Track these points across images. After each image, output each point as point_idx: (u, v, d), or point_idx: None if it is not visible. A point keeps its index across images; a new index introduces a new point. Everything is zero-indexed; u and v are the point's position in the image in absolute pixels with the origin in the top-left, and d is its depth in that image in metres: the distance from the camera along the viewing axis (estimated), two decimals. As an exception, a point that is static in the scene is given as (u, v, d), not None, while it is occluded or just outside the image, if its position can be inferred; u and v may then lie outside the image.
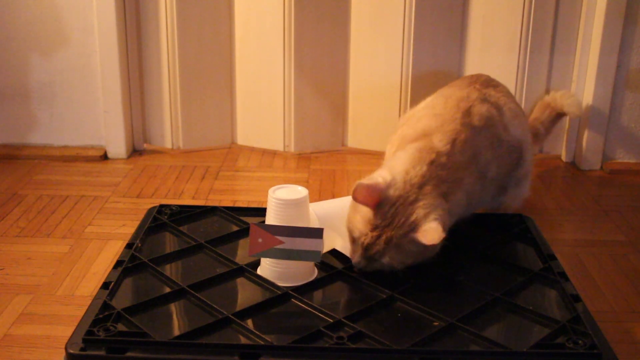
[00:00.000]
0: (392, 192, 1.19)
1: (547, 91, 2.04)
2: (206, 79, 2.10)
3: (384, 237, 1.17)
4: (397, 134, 1.46)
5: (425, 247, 1.15)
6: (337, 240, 1.28)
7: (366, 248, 1.19)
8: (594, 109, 1.99)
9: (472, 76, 1.64)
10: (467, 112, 1.38)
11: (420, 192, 1.20)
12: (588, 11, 1.95)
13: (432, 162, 1.25)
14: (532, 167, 1.62)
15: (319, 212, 1.24)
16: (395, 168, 1.24)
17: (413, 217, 1.17)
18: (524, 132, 1.54)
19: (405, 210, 1.17)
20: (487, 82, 1.57)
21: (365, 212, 1.19)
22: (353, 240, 1.22)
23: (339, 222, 1.25)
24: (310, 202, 1.24)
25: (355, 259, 1.21)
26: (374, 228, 1.18)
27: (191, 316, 1.09)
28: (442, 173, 1.25)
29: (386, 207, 1.18)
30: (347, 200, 1.31)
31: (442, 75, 1.99)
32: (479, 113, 1.40)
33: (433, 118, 1.38)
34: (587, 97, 1.99)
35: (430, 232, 1.14)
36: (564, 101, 1.94)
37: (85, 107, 2.06)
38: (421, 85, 1.97)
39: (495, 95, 1.50)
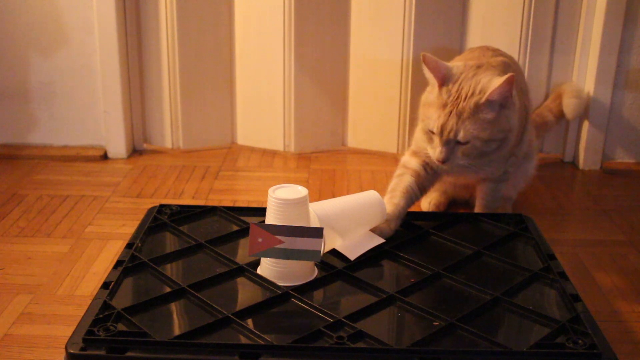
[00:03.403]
0: (455, 70, 1.33)
1: (547, 91, 2.04)
2: (206, 79, 2.10)
3: (455, 111, 1.29)
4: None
5: (496, 117, 1.29)
6: (336, 240, 1.28)
7: (442, 131, 1.29)
8: (594, 109, 2.00)
9: (480, 47, 1.67)
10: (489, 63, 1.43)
11: (478, 70, 1.34)
12: (588, 11, 1.95)
13: (481, 65, 1.38)
14: (536, 153, 1.67)
15: (319, 212, 1.24)
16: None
17: (479, 86, 1.30)
18: (527, 109, 1.59)
19: (469, 82, 1.31)
20: (496, 51, 1.59)
21: (434, 98, 1.32)
22: (430, 138, 1.33)
23: (340, 222, 1.26)
24: (310, 202, 1.24)
25: (437, 153, 1.31)
26: (444, 106, 1.30)
27: (191, 316, 1.09)
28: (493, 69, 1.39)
29: (451, 83, 1.31)
30: (347, 199, 1.32)
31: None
32: (502, 61, 1.46)
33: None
34: (589, 98, 1.99)
35: (496, 81, 1.28)
36: (565, 99, 1.94)
37: (85, 107, 2.06)
38: (421, 86, 1.97)
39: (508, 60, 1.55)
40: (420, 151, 1.45)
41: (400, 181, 1.45)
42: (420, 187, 1.47)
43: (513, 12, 1.96)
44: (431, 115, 1.33)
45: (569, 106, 1.94)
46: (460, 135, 1.30)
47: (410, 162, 1.48)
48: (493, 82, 1.30)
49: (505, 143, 1.37)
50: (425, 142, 1.40)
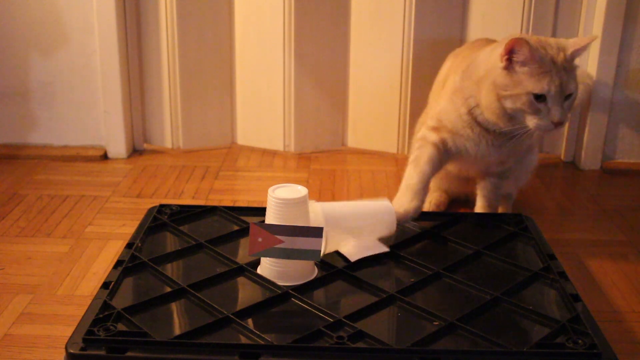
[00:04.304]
0: (532, 42, 1.30)
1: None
2: (206, 79, 2.10)
3: (559, 68, 1.30)
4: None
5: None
6: (347, 241, 1.27)
7: (561, 89, 1.30)
8: (594, 109, 1.99)
9: (481, 38, 1.68)
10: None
11: (540, 37, 1.36)
12: (588, 11, 1.95)
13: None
14: (536, 146, 1.68)
15: (327, 210, 1.24)
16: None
17: (559, 42, 1.33)
18: None
19: (548, 42, 1.33)
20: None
21: (530, 69, 1.30)
22: (539, 107, 1.31)
23: (346, 223, 1.26)
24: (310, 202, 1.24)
25: (558, 115, 1.31)
26: (549, 70, 1.30)
27: (191, 316, 1.09)
28: None
29: (540, 53, 1.30)
30: (358, 204, 1.32)
31: (442, 75, 1.99)
32: None
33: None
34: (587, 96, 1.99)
35: (577, 39, 1.34)
36: None
37: (85, 107, 2.06)
38: (421, 86, 1.97)
39: None
40: (444, 127, 1.47)
41: (423, 152, 1.47)
42: (441, 161, 1.49)
43: (513, 12, 1.96)
44: (537, 81, 1.30)
45: None
46: (572, 87, 1.33)
47: (430, 136, 1.49)
48: (571, 40, 1.34)
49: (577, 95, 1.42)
50: (467, 120, 1.42)
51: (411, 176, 1.44)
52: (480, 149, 1.45)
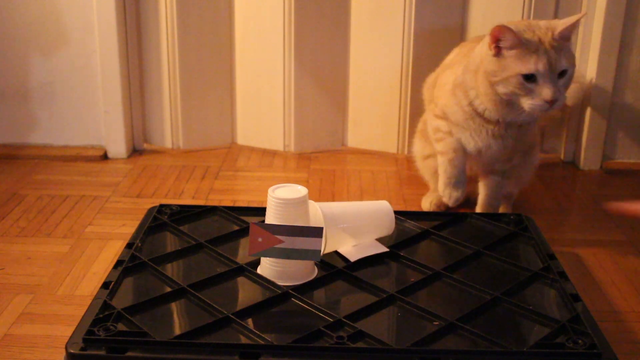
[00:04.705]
0: (515, 27, 1.33)
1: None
2: (206, 78, 2.10)
3: (546, 47, 1.32)
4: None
5: (569, 42, 1.37)
6: (347, 241, 1.28)
7: (550, 66, 1.31)
8: (594, 108, 1.99)
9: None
10: None
11: (530, 21, 1.39)
12: (588, 11, 1.95)
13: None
14: (538, 145, 1.70)
15: (325, 211, 1.24)
16: None
17: (549, 23, 1.35)
18: None
19: (538, 25, 1.35)
20: None
21: (517, 52, 1.33)
22: (530, 87, 1.33)
23: (346, 223, 1.26)
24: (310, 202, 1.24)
25: (550, 93, 1.32)
26: (536, 49, 1.32)
27: (191, 316, 1.09)
28: None
29: (526, 33, 1.33)
30: (357, 205, 1.32)
31: (442, 75, 1.99)
32: None
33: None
34: (587, 96, 1.99)
35: (567, 19, 1.35)
36: None
37: (85, 107, 2.07)
38: (421, 86, 1.97)
39: None
40: (449, 120, 1.51)
41: (447, 144, 1.54)
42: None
43: (513, 12, 1.95)
44: (526, 62, 1.32)
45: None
46: (564, 63, 1.34)
47: (442, 125, 1.54)
48: (564, 19, 1.35)
49: (574, 72, 1.42)
50: (468, 112, 1.46)
51: (446, 170, 1.55)
52: (482, 140, 1.49)
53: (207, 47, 2.07)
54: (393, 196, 1.82)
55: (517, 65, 1.33)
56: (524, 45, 1.32)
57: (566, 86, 1.37)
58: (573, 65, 1.37)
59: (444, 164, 1.55)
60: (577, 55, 2.00)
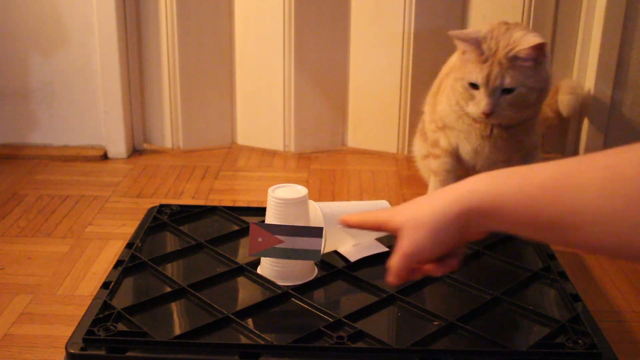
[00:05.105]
0: (485, 30, 1.37)
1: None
2: (206, 79, 2.10)
3: (496, 61, 1.34)
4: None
5: (534, 65, 1.35)
6: (346, 241, 1.28)
7: (487, 80, 1.34)
8: (594, 108, 1.99)
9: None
10: None
11: (510, 26, 1.39)
12: (588, 11, 1.95)
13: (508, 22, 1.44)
14: (540, 146, 1.69)
15: (325, 210, 1.24)
16: None
17: (514, 39, 1.35)
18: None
19: (504, 36, 1.36)
20: None
21: (473, 57, 1.36)
22: (471, 96, 1.38)
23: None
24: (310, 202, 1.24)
25: (483, 106, 1.36)
26: (485, 60, 1.35)
27: (191, 316, 1.09)
28: None
29: (485, 42, 1.35)
30: (357, 204, 1.32)
31: (442, 75, 1.99)
32: None
33: None
34: (587, 95, 1.99)
35: (531, 37, 1.34)
36: (560, 96, 1.94)
37: (85, 107, 2.07)
38: (421, 86, 1.97)
39: None
40: (444, 124, 1.53)
41: (440, 164, 1.58)
42: (456, 162, 1.57)
43: (513, 12, 1.95)
44: (472, 69, 1.37)
45: (563, 102, 1.94)
46: (507, 82, 1.35)
47: (441, 140, 1.57)
48: (527, 38, 1.35)
49: (544, 93, 1.43)
50: (457, 112, 1.47)
51: (435, 189, 1.54)
52: (473, 141, 1.50)
53: (207, 47, 2.07)
54: (393, 196, 1.82)
55: (466, 69, 1.38)
56: (479, 53, 1.36)
57: (513, 104, 1.38)
58: (525, 86, 1.37)
59: (435, 184, 1.60)
60: (577, 55, 2.00)
